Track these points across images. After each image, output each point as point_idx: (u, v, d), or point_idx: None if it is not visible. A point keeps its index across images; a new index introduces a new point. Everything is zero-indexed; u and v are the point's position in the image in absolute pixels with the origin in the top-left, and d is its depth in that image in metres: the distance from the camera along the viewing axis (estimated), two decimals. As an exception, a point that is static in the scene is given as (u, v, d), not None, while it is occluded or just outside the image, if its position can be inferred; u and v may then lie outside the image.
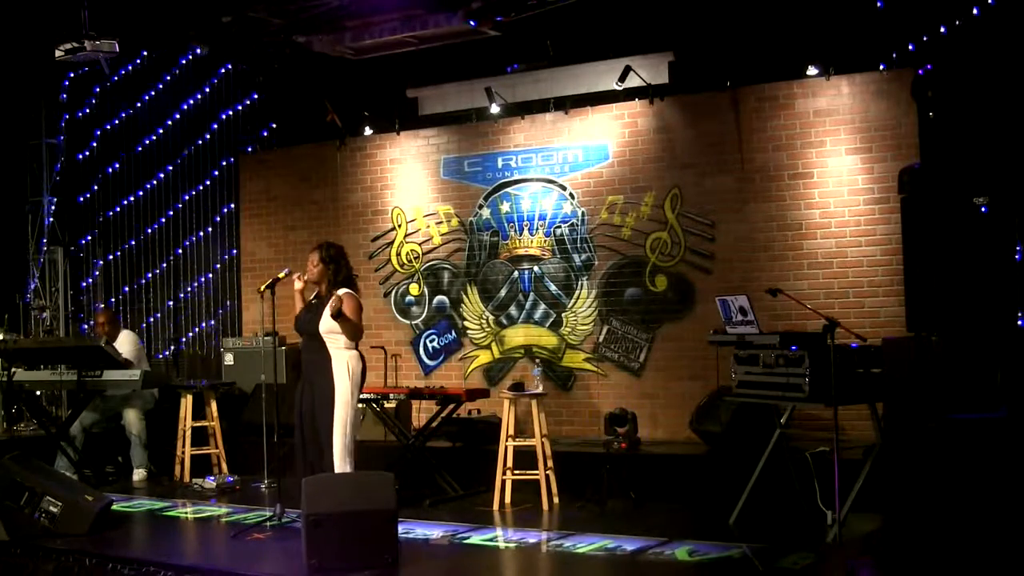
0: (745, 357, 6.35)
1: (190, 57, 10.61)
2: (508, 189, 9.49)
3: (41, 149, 11.26)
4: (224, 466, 8.66)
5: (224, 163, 10.97)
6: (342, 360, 6.32)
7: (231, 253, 10.92)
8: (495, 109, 9.31)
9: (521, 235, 9.42)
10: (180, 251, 11.19)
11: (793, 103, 8.36)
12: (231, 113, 10.88)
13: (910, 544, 5.70)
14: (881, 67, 7.95)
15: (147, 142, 11.23)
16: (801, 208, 8.30)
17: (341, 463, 6.18)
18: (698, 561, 5.53)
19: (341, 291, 6.37)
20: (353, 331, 6.35)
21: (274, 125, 10.80)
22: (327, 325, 6.30)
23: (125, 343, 8.68)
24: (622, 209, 8.99)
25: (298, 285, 6.52)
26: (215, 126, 10.94)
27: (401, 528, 5.83)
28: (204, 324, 11.02)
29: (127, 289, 11.42)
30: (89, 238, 11.53)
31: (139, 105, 11.16)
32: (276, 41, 9.47)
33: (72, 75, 11.12)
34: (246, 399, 9.43)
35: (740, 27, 8.28)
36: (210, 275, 11.06)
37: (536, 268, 9.34)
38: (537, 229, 9.34)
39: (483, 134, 9.66)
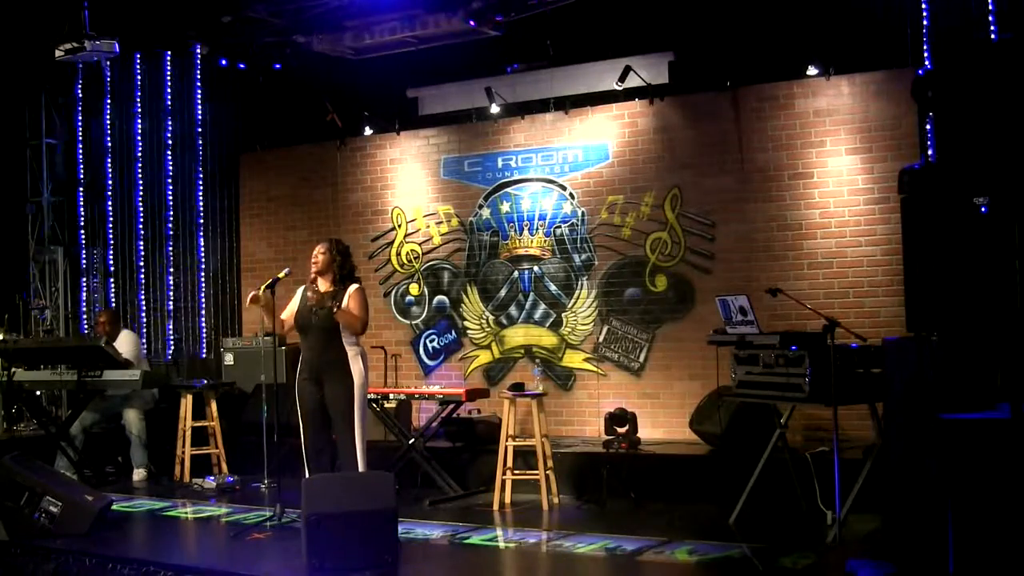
0: (745, 357, 6.35)
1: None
2: (508, 189, 9.49)
3: (41, 149, 11.23)
4: (224, 466, 8.66)
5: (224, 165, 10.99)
6: (356, 356, 6.30)
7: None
8: (495, 109, 9.32)
9: (521, 235, 9.42)
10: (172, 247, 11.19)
11: (793, 103, 8.37)
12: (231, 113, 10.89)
13: (910, 544, 5.70)
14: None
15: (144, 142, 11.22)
16: (801, 208, 8.30)
17: (362, 460, 6.20)
18: (698, 561, 5.53)
19: (353, 287, 6.36)
20: (354, 322, 6.25)
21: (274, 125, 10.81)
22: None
23: (125, 343, 8.67)
24: (622, 209, 8.99)
25: (264, 297, 6.29)
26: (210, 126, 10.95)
27: (401, 528, 5.83)
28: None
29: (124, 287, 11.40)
30: (85, 238, 11.50)
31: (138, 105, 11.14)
32: (276, 41, 9.47)
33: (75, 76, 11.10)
34: (246, 399, 9.42)
35: (740, 27, 8.28)
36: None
37: (536, 268, 9.33)
38: (537, 229, 9.34)
39: (483, 134, 9.66)
